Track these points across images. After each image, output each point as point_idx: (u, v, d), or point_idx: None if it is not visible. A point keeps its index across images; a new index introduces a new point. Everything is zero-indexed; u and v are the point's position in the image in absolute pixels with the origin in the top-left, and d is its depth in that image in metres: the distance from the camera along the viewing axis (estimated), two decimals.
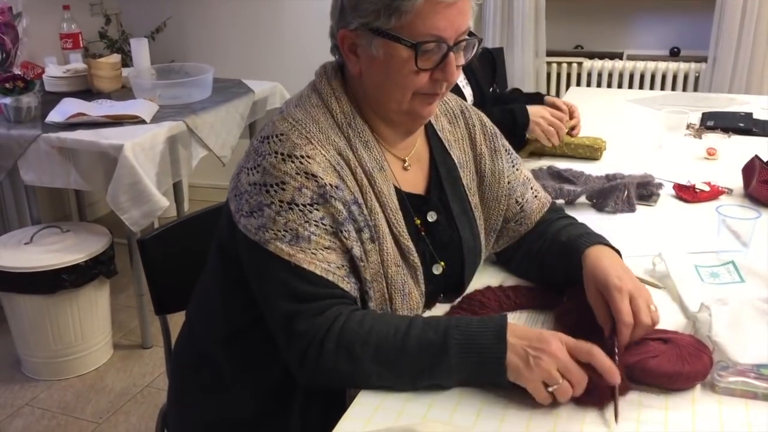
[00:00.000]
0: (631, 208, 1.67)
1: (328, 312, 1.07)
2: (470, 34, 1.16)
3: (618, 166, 1.91)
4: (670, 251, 1.39)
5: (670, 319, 1.20)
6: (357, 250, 1.11)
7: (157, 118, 2.69)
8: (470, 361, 1.01)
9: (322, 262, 1.08)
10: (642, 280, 1.33)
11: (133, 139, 2.46)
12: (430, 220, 1.26)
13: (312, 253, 1.08)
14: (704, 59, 3.59)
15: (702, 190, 1.72)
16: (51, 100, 2.80)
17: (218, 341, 1.26)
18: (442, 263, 1.26)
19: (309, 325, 1.06)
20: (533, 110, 1.98)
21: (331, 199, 1.09)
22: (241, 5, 4.00)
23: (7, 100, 2.60)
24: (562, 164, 1.88)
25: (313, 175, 1.09)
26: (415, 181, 1.27)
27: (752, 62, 3.44)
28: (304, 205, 1.09)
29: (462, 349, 1.01)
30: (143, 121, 2.63)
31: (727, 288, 1.28)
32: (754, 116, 2.36)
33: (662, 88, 3.68)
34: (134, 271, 2.74)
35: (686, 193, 1.73)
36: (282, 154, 1.10)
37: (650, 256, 1.40)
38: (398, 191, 1.22)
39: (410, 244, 1.18)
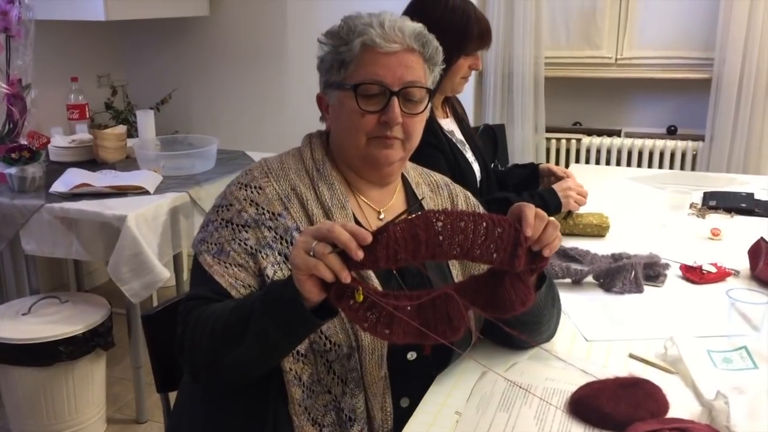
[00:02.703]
0: (638, 289, 1.66)
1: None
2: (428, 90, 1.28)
3: (622, 244, 1.91)
4: (681, 334, 1.37)
5: (685, 407, 1.18)
6: (271, 271, 1.20)
7: (160, 189, 2.70)
8: (269, 297, 1.06)
9: (231, 277, 1.20)
10: (654, 365, 1.32)
11: (137, 210, 2.47)
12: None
13: (226, 266, 1.21)
14: (701, 137, 3.65)
15: (709, 272, 1.72)
16: (56, 169, 2.82)
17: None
18: None
19: (191, 313, 1.18)
20: (559, 188, 2.04)
21: (262, 226, 1.22)
22: (246, 78, 4.08)
23: (13, 170, 2.62)
24: (568, 243, 1.88)
25: (256, 204, 1.24)
26: None
27: (749, 141, 3.50)
28: (238, 225, 1.23)
29: (263, 293, 1.09)
30: (147, 192, 2.64)
31: (741, 374, 1.26)
32: (756, 196, 2.38)
33: (660, 166, 3.73)
34: (132, 343, 2.70)
35: (693, 275, 1.73)
36: (242, 183, 1.28)
37: (660, 339, 1.39)
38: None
39: (368, 272, 1.22)
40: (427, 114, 1.32)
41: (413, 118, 1.27)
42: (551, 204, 2.01)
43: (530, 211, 1.08)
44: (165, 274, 2.50)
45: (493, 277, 1.12)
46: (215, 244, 1.23)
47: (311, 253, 0.99)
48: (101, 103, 3.91)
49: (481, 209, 1.45)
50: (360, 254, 0.97)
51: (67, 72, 3.44)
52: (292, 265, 1.00)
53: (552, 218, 1.11)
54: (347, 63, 1.25)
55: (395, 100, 1.24)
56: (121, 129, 3.17)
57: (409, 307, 1.04)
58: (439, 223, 1.01)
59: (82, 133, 3.24)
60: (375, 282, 1.22)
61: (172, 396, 1.55)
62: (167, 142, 3.21)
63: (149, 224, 2.51)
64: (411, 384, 1.26)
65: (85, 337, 2.49)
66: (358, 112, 1.25)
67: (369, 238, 0.98)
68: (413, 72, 1.25)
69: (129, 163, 3.04)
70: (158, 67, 4.17)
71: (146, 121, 3.25)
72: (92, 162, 3.02)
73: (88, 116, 3.42)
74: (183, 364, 1.20)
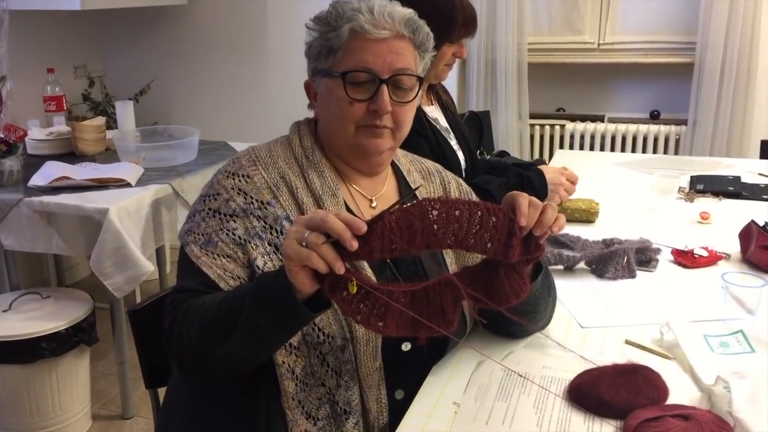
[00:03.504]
0: (631, 274, 1.65)
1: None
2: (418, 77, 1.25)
3: (613, 230, 1.91)
4: (677, 319, 1.36)
5: (684, 392, 1.17)
6: (261, 261, 1.17)
7: (142, 181, 2.65)
8: (260, 288, 1.03)
9: (219, 268, 1.17)
10: (651, 351, 1.31)
11: (119, 203, 2.42)
12: None
13: (214, 257, 1.17)
14: (684, 122, 3.66)
15: (701, 256, 1.71)
16: (34, 163, 2.76)
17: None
18: None
19: (179, 306, 1.15)
20: (550, 176, 2.02)
21: (250, 215, 1.19)
22: (226, 68, 4.02)
23: None
24: (551, 231, 1.87)
25: (244, 193, 1.21)
26: None
27: (732, 124, 3.51)
28: (226, 215, 1.20)
29: (254, 284, 1.06)
30: (128, 185, 2.59)
31: (738, 358, 1.26)
32: (742, 179, 2.39)
33: (643, 151, 3.73)
34: (116, 338, 2.66)
35: (685, 259, 1.72)
36: (229, 172, 1.24)
37: (656, 324, 1.38)
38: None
39: (361, 262, 1.20)
40: (417, 102, 1.29)
41: (403, 107, 1.24)
42: (540, 191, 1.99)
43: (524, 200, 1.05)
44: (149, 267, 2.46)
45: (488, 267, 1.10)
46: (202, 235, 1.20)
47: (304, 244, 0.95)
48: (78, 94, 3.83)
49: (473, 196, 1.43)
50: (355, 244, 0.94)
51: (43, 63, 3.37)
52: (284, 255, 0.97)
53: (550, 202, 1.09)
54: (335, 50, 1.22)
55: (384, 89, 1.21)
56: (100, 120, 3.11)
57: (403, 299, 1.01)
58: (434, 212, 0.98)
59: (60, 126, 3.17)
60: (368, 272, 1.19)
61: (161, 392, 1.52)
62: (147, 134, 3.16)
63: (131, 217, 2.46)
64: (405, 375, 1.24)
65: (68, 333, 2.44)
66: (347, 100, 1.22)
67: (364, 228, 0.95)
68: (403, 59, 1.22)
69: (109, 155, 2.99)
70: (136, 57, 4.10)
71: (126, 112, 3.19)
72: (71, 155, 2.96)
73: (65, 108, 3.35)
74: (171, 359, 1.17)
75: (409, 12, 1.24)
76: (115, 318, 2.64)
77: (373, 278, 1.18)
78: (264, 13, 3.88)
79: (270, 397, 1.16)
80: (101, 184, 2.56)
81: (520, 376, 1.21)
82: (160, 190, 2.61)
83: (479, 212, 1.01)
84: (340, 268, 0.95)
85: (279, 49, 3.90)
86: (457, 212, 0.99)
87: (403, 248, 0.98)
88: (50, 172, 2.63)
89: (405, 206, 0.98)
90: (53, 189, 2.52)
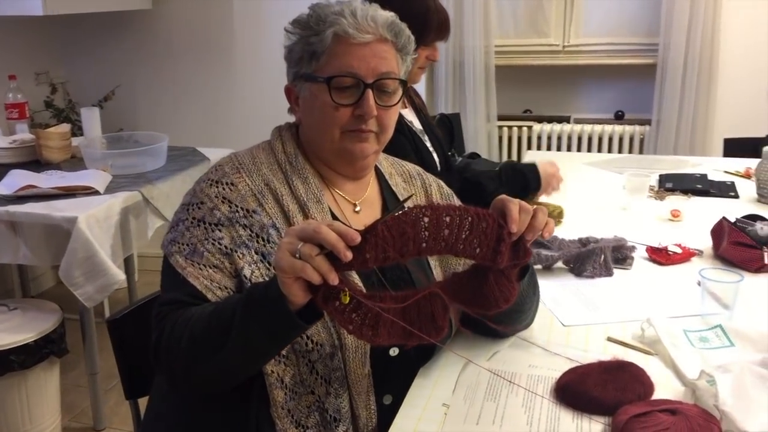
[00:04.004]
0: (608, 272, 1.67)
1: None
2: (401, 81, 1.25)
3: (587, 229, 1.93)
4: (656, 315, 1.39)
5: (668, 387, 1.19)
6: (248, 271, 1.15)
7: (110, 189, 2.61)
8: (252, 300, 1.02)
9: (206, 278, 1.15)
10: (632, 347, 1.33)
11: (88, 211, 2.37)
12: None
13: (200, 268, 1.15)
14: (648, 122, 3.72)
15: (674, 253, 1.75)
16: None
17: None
18: None
19: (167, 318, 1.13)
20: (543, 169, 2.06)
21: (236, 224, 1.18)
22: (192, 73, 3.98)
23: None
24: (542, 237, 1.88)
25: (229, 201, 1.20)
26: (366, 222, 1.26)
27: (695, 123, 3.58)
28: (211, 224, 1.18)
29: (245, 296, 1.05)
30: (97, 192, 2.54)
31: (718, 352, 1.28)
32: (709, 177, 2.44)
33: (609, 150, 3.79)
34: (87, 348, 2.60)
35: (659, 256, 1.75)
36: (212, 180, 1.23)
37: (636, 321, 1.40)
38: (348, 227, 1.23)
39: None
40: (400, 105, 1.29)
41: (388, 110, 1.24)
42: (532, 183, 2.01)
43: (514, 206, 1.05)
44: (120, 276, 2.41)
45: (476, 273, 1.10)
46: (187, 245, 1.18)
47: (297, 255, 0.94)
48: (40, 101, 3.75)
49: (454, 199, 1.44)
50: (349, 255, 0.94)
51: (4, 70, 3.30)
52: (277, 267, 0.96)
53: (540, 205, 1.10)
54: (318, 54, 1.21)
55: (369, 93, 1.20)
56: (66, 127, 3.05)
57: (394, 307, 1.01)
58: (426, 219, 0.99)
59: (23, 133, 3.10)
60: (355, 278, 1.18)
61: (142, 402, 1.50)
62: (113, 140, 3.11)
63: (101, 225, 2.42)
64: (393, 380, 1.23)
65: (37, 345, 2.39)
66: (332, 105, 1.20)
67: (358, 239, 0.94)
68: (387, 63, 1.22)
69: (75, 162, 2.92)
70: (100, 63, 4.03)
71: (91, 118, 3.14)
72: (36, 163, 2.89)
73: (27, 115, 3.28)
74: (159, 372, 1.15)
75: (391, 15, 1.24)
76: (86, 328, 2.58)
77: (360, 284, 1.18)
78: (230, 16, 3.85)
79: (259, 407, 1.15)
80: (68, 192, 2.51)
81: (506, 380, 1.21)
82: (130, 197, 2.57)
83: (469, 218, 1.01)
84: (334, 279, 0.95)
85: (246, 53, 3.87)
86: (447, 218, 1.00)
87: (396, 257, 0.98)
88: (15, 181, 2.57)
89: (397, 214, 0.98)
90: (19, 198, 2.46)
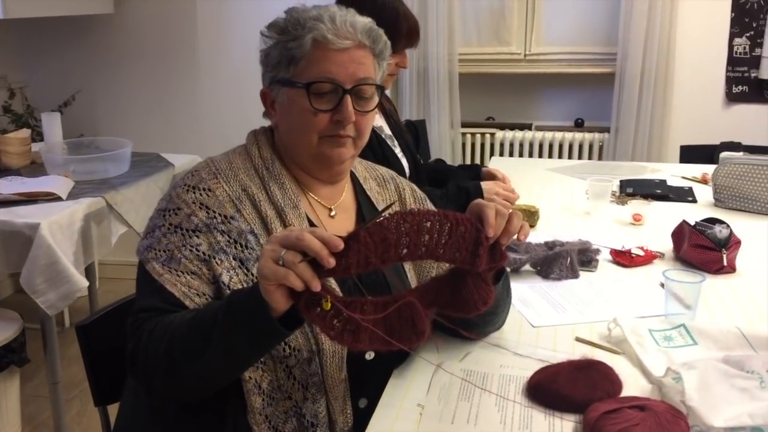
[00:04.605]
0: (574, 275, 1.71)
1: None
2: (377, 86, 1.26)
3: (552, 232, 1.97)
4: (622, 316, 1.42)
5: (635, 385, 1.22)
6: (226, 277, 1.15)
7: (73, 195, 2.57)
8: (233, 308, 1.02)
9: (184, 285, 1.14)
10: (600, 347, 1.36)
11: (50, 217, 2.33)
12: None
13: (177, 275, 1.15)
14: (607, 129, 3.80)
15: (637, 255, 1.79)
16: None
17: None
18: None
19: (144, 326, 1.12)
20: (487, 188, 2.05)
21: (214, 230, 1.17)
22: (155, 78, 3.94)
23: None
24: (517, 241, 1.92)
25: (206, 207, 1.19)
26: (341, 228, 1.30)
27: (651, 131, 3.67)
28: (188, 230, 1.17)
29: (226, 303, 1.04)
30: (59, 198, 2.50)
31: (683, 351, 1.32)
32: (668, 183, 2.51)
33: (569, 157, 3.85)
34: (48, 357, 2.55)
35: (623, 258, 1.79)
36: (189, 185, 1.22)
37: (603, 321, 1.43)
38: None
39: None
40: (376, 110, 1.30)
41: (365, 116, 1.26)
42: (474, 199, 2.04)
43: (491, 211, 1.08)
44: (83, 283, 2.38)
45: (454, 277, 1.12)
46: (164, 251, 1.17)
47: (280, 262, 0.95)
48: None
49: (428, 202, 1.46)
50: (332, 262, 0.95)
51: None
52: (260, 275, 0.97)
53: (514, 209, 1.13)
54: (297, 59, 1.21)
55: (348, 99, 1.21)
56: (26, 133, 3.00)
57: (374, 313, 1.03)
58: (406, 225, 1.00)
59: None
60: (332, 282, 1.19)
61: (111, 409, 1.48)
62: (74, 146, 3.06)
63: (64, 232, 2.38)
64: (369, 384, 1.24)
65: None
66: (311, 110, 1.21)
67: (341, 246, 0.95)
68: (365, 69, 1.23)
69: (35, 168, 2.88)
70: (60, 67, 3.97)
71: (52, 123, 3.08)
72: None
73: None
74: (137, 381, 1.14)
75: (369, 21, 1.25)
76: (47, 337, 2.53)
77: (337, 288, 1.19)
78: (193, 20, 3.83)
79: (236, 413, 1.15)
80: (30, 198, 2.47)
81: (477, 386, 1.23)
82: (93, 204, 2.54)
83: (449, 223, 1.03)
84: (316, 285, 0.96)
85: (209, 57, 3.85)
86: (428, 224, 1.02)
87: (377, 263, 0.99)
88: None
89: (378, 221, 0.99)
90: None
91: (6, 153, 2.84)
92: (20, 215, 2.34)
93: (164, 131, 3.95)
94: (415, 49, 2.08)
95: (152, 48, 3.90)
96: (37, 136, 3.38)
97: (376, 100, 1.27)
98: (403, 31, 1.97)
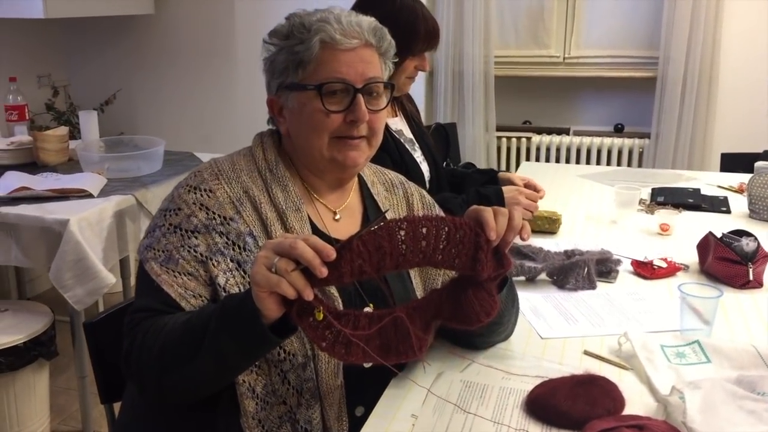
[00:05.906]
0: (591, 285, 1.66)
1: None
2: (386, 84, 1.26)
3: (574, 241, 1.92)
4: (634, 330, 1.38)
5: (640, 402, 1.18)
6: (222, 279, 1.15)
7: (105, 192, 2.61)
8: (226, 314, 1.02)
9: (181, 286, 1.14)
10: (608, 361, 1.32)
11: (80, 214, 2.38)
12: None
13: (174, 275, 1.15)
14: (647, 135, 3.72)
15: (660, 267, 1.73)
16: None
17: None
18: (371, 305, 1.25)
19: (140, 326, 1.13)
20: (508, 195, 2.00)
21: (212, 231, 1.17)
22: (193, 78, 4.00)
23: None
24: (521, 240, 1.88)
25: (206, 208, 1.19)
26: (345, 231, 1.28)
27: (693, 137, 3.58)
28: (187, 231, 1.17)
29: (219, 308, 1.04)
30: (90, 195, 2.55)
31: (694, 369, 1.27)
32: (702, 192, 2.43)
33: (608, 163, 3.78)
34: (76, 351, 2.60)
35: (644, 270, 1.74)
36: (190, 186, 1.22)
37: (614, 335, 1.39)
38: (328, 238, 1.23)
39: None
40: (388, 108, 1.29)
41: (377, 114, 1.25)
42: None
43: (488, 214, 1.05)
44: (110, 279, 2.42)
45: (456, 288, 1.10)
46: (163, 251, 1.17)
47: (273, 270, 0.94)
48: (42, 104, 3.78)
49: (437, 208, 1.44)
50: (324, 271, 0.94)
51: (5, 72, 3.32)
52: (253, 281, 0.96)
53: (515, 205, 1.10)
54: (306, 62, 1.20)
55: (360, 98, 1.21)
56: (63, 130, 3.06)
57: (369, 326, 1.01)
58: (402, 232, 0.98)
59: (22, 135, 3.12)
60: (332, 288, 1.18)
61: (117, 407, 1.50)
62: (112, 144, 3.11)
63: (93, 228, 2.43)
64: (366, 392, 1.23)
65: (26, 347, 2.39)
66: (323, 112, 1.20)
67: (333, 255, 0.94)
68: (373, 67, 1.23)
69: (71, 165, 2.94)
70: (101, 67, 4.06)
71: (89, 122, 3.15)
72: (32, 165, 2.90)
73: (27, 117, 3.30)
74: (130, 380, 1.15)
75: (373, 20, 1.25)
76: (75, 331, 2.58)
77: (337, 295, 1.18)
78: (232, 22, 3.87)
79: (229, 416, 1.15)
80: (62, 195, 2.52)
81: (473, 414, 1.20)
82: (123, 201, 2.58)
83: (446, 228, 1.01)
84: (309, 294, 0.95)
85: (247, 59, 3.89)
86: (424, 230, 1.00)
87: (372, 272, 0.98)
88: (10, 182, 2.58)
89: (373, 229, 0.98)
90: (13, 200, 2.47)
91: (43, 150, 2.91)
92: (51, 211, 2.39)
93: (200, 131, 4.01)
94: (434, 51, 2.06)
95: (191, 48, 3.96)
96: (77, 133, 3.46)
97: (387, 98, 1.26)
98: (422, 34, 1.94)
